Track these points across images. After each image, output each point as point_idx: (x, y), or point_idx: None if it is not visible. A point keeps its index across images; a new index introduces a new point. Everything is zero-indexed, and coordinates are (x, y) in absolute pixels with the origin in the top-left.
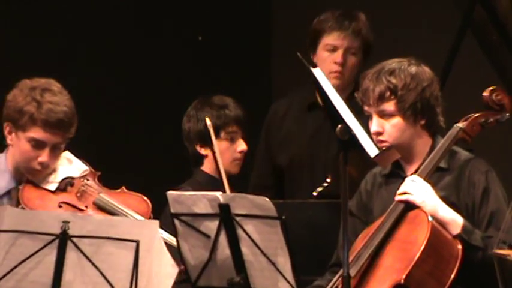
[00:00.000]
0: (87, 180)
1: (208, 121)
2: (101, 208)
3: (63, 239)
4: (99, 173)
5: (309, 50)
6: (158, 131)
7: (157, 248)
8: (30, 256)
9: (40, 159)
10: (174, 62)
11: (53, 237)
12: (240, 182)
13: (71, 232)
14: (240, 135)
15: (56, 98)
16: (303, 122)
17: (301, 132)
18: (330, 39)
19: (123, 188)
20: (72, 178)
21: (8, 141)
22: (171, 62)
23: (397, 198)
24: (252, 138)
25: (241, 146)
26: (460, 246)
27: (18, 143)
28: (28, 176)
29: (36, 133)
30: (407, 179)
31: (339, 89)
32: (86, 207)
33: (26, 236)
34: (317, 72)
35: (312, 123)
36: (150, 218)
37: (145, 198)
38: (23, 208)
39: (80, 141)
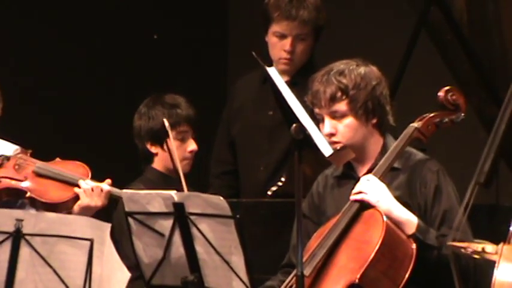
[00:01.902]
0: (23, 155)
1: (166, 122)
2: (41, 175)
3: (17, 237)
4: (31, 150)
5: (262, 30)
6: (109, 129)
7: (108, 252)
8: None
9: None
10: (127, 60)
11: (6, 236)
12: (192, 182)
13: (24, 230)
14: (190, 135)
15: None
16: (255, 93)
17: (253, 103)
18: (278, 27)
19: (58, 158)
20: (5, 155)
21: None
22: (125, 60)
23: (352, 197)
24: (205, 138)
25: (192, 145)
26: (414, 246)
27: None
28: None
29: None
30: (362, 178)
31: (288, 73)
32: (26, 177)
33: None
34: (272, 71)
35: (262, 94)
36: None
37: (82, 163)
38: None
39: (32, 138)
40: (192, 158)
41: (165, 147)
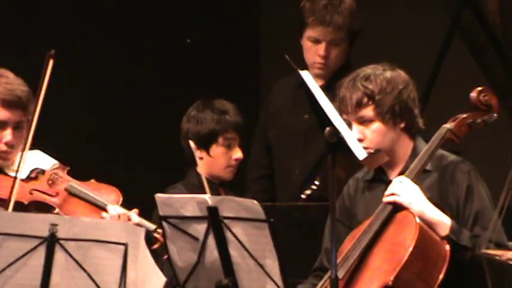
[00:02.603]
0: (59, 171)
1: (192, 144)
2: (72, 194)
3: (51, 241)
4: (68, 167)
5: (297, 34)
6: (150, 132)
7: (142, 256)
8: (18, 259)
9: (4, 139)
10: (164, 64)
11: (41, 240)
12: (236, 188)
13: (58, 235)
14: (237, 143)
15: (11, 81)
16: (291, 97)
17: (288, 107)
18: (313, 32)
19: (93, 180)
20: (42, 171)
21: None
22: (161, 64)
23: (385, 199)
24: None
25: (237, 153)
26: (448, 247)
27: None
28: None
29: None
30: (394, 180)
31: (323, 78)
32: (57, 193)
33: (14, 239)
34: (305, 75)
35: (297, 98)
36: (120, 203)
37: (116, 188)
38: None
39: (74, 139)
40: (237, 165)
41: (211, 152)
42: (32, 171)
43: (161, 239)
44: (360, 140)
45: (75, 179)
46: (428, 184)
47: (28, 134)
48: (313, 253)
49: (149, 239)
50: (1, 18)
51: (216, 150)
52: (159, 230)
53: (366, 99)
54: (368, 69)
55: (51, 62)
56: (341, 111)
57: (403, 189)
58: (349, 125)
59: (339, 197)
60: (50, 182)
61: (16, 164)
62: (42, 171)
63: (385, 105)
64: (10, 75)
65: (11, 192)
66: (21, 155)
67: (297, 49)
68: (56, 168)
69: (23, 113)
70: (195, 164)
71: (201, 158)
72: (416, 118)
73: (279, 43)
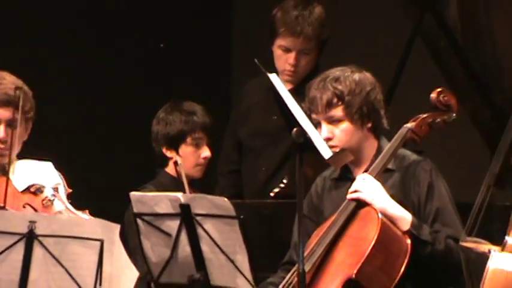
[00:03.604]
0: (57, 193)
1: (179, 160)
2: None
3: (30, 238)
4: (71, 190)
5: (268, 40)
6: (123, 134)
7: (117, 252)
8: None
9: None
10: (136, 67)
11: (20, 236)
12: (203, 186)
13: (37, 231)
14: (205, 142)
15: (5, 81)
16: (261, 98)
17: (258, 107)
18: (283, 41)
19: (87, 211)
20: (43, 186)
21: None
22: (134, 68)
23: (349, 196)
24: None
25: (206, 152)
26: (409, 241)
27: None
28: None
29: None
30: (358, 177)
31: (292, 82)
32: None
33: None
34: (273, 77)
35: (267, 99)
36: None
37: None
38: None
39: (52, 138)
40: (205, 164)
41: (180, 152)
42: (32, 185)
43: None
44: (329, 139)
45: (72, 205)
46: (391, 183)
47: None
48: (281, 248)
49: None
50: None
51: (185, 149)
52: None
53: (335, 100)
54: (337, 71)
55: (21, 97)
56: (310, 111)
57: (366, 186)
58: (318, 125)
59: (307, 195)
60: (44, 203)
61: (17, 169)
62: (41, 190)
63: (354, 106)
64: (7, 76)
65: (4, 201)
66: (8, 161)
67: (267, 51)
68: (56, 188)
69: (15, 110)
70: (165, 164)
71: (171, 158)
72: (382, 119)
73: (250, 45)
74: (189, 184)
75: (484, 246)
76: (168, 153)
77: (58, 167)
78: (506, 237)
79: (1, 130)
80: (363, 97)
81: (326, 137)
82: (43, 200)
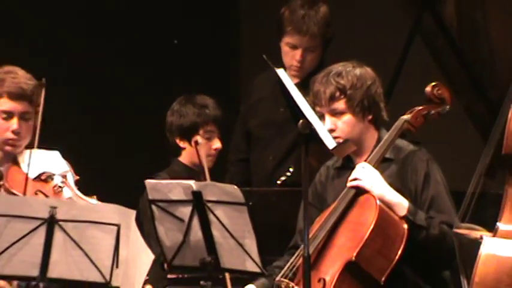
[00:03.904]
0: (66, 180)
1: (200, 140)
2: None
3: (51, 222)
4: (78, 177)
5: (277, 37)
6: (138, 124)
7: (133, 236)
8: (21, 238)
9: (11, 128)
10: (151, 62)
11: (42, 221)
12: (214, 174)
13: (58, 216)
14: (216, 134)
15: (18, 75)
16: (269, 91)
17: (266, 100)
18: (290, 39)
19: (95, 197)
20: (53, 174)
21: None
22: (148, 62)
23: (349, 184)
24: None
25: (217, 144)
26: (405, 226)
27: None
28: (7, 150)
29: (4, 105)
30: (357, 166)
31: (298, 77)
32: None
33: (17, 220)
34: (281, 72)
35: (275, 93)
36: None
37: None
38: (4, 185)
39: (68, 128)
40: (216, 155)
41: (192, 143)
42: (43, 173)
43: None
44: (332, 130)
45: (80, 191)
46: (390, 171)
47: (36, 130)
48: (287, 233)
49: None
50: None
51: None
52: None
53: (338, 94)
54: (339, 67)
55: (43, 91)
56: (315, 104)
57: (365, 174)
58: (322, 117)
59: (311, 183)
60: (55, 189)
61: (26, 158)
62: (52, 177)
63: (355, 99)
64: (19, 71)
65: (25, 190)
66: (30, 153)
67: (275, 46)
68: (65, 175)
69: (28, 104)
70: (178, 153)
71: (184, 148)
72: (382, 111)
73: (258, 41)
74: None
75: (476, 233)
76: (181, 144)
77: (69, 156)
78: (498, 223)
79: (15, 123)
80: (363, 91)
81: (329, 128)
82: (54, 187)
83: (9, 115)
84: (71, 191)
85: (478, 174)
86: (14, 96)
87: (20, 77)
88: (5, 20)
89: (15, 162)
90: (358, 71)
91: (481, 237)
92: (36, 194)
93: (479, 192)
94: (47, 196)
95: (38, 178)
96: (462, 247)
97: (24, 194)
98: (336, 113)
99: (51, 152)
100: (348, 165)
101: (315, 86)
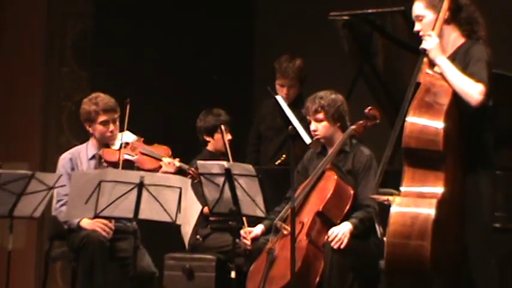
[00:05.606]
0: (137, 142)
1: (223, 127)
2: (144, 154)
3: (140, 186)
4: (143, 138)
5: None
6: (182, 124)
7: (189, 195)
8: (123, 194)
9: (110, 130)
10: (192, 79)
11: (134, 185)
12: (238, 159)
13: (144, 182)
14: (228, 130)
15: (105, 98)
16: (272, 108)
17: (270, 113)
18: (279, 81)
19: (156, 144)
20: (127, 142)
21: (90, 131)
22: (190, 80)
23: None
24: (239, 130)
25: (229, 136)
26: (352, 192)
27: (96, 129)
28: (108, 142)
29: (102, 117)
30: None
31: (287, 102)
32: (136, 155)
33: (121, 184)
34: (279, 98)
35: (275, 109)
36: (171, 156)
37: (166, 147)
38: (103, 159)
39: (142, 122)
40: (229, 142)
41: (215, 137)
42: (122, 143)
43: (193, 173)
44: (315, 131)
45: (146, 144)
46: (347, 159)
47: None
48: (282, 194)
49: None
50: None
51: (217, 136)
52: (192, 169)
53: (319, 109)
54: (322, 93)
55: (128, 108)
56: (306, 114)
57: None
58: (309, 122)
59: (300, 161)
60: (132, 148)
61: (117, 141)
62: (127, 143)
63: (330, 113)
64: (102, 95)
65: (119, 158)
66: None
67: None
68: (136, 140)
69: (116, 113)
70: (206, 145)
71: (209, 141)
72: (347, 122)
73: (269, 64)
74: (221, 155)
75: (384, 197)
76: (207, 138)
77: (156, 135)
78: (401, 188)
79: (111, 127)
80: (335, 108)
81: (313, 130)
82: (131, 147)
83: (106, 123)
84: (141, 146)
85: (386, 158)
86: (107, 111)
87: (104, 98)
88: None
89: (106, 145)
90: (333, 96)
91: (388, 200)
92: (118, 158)
93: (389, 169)
94: (129, 155)
95: (120, 147)
96: (375, 209)
97: (118, 160)
98: (317, 120)
99: (124, 132)
100: (323, 152)
101: (307, 103)
